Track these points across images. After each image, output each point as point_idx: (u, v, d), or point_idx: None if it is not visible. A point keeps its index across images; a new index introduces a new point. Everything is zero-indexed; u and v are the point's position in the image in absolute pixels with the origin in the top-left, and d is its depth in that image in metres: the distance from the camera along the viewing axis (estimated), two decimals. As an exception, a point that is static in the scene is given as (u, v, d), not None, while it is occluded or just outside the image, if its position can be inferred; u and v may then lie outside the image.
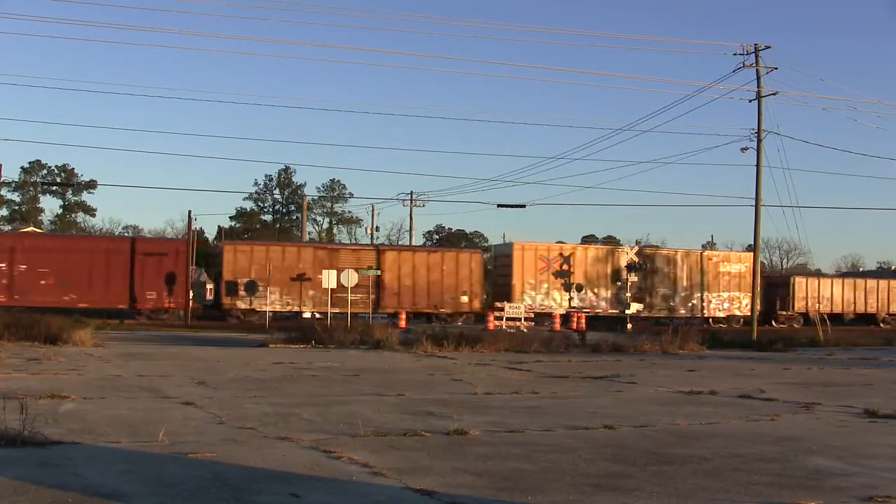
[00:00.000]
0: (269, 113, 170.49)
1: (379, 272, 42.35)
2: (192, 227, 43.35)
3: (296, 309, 41.47)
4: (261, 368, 19.34)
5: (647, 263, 47.25)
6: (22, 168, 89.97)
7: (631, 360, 24.59)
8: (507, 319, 36.93)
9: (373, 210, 70.89)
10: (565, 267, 45.68)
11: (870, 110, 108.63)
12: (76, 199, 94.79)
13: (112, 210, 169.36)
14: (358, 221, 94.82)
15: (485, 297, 45.83)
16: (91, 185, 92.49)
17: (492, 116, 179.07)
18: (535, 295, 44.91)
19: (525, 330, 33.72)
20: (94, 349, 23.26)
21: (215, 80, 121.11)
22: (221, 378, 16.99)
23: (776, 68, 38.29)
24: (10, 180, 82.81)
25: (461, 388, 16.32)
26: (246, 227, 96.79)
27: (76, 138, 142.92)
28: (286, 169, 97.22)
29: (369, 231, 73.13)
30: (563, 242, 52.50)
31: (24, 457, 8.36)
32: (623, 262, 45.61)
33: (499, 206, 46.57)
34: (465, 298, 43.95)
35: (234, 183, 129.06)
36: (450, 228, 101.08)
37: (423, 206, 67.82)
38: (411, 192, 67.93)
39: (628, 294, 44.94)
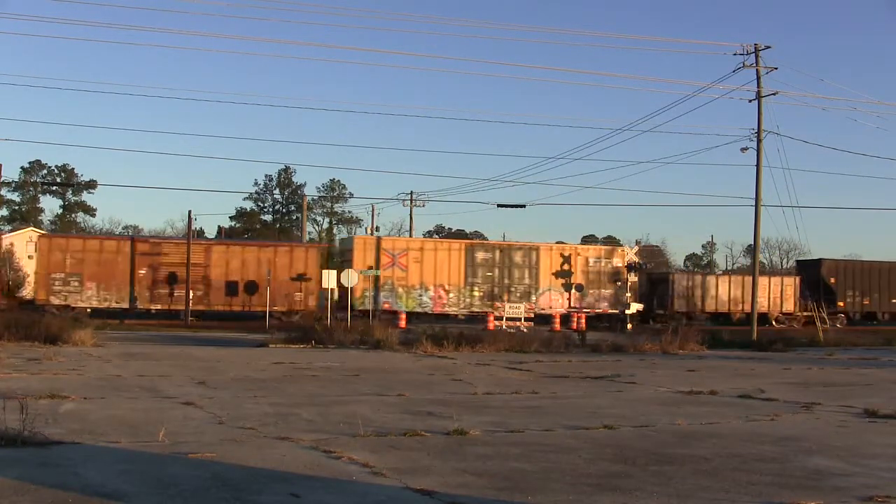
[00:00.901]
0: (269, 113, 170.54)
1: (378, 272, 42.29)
2: (192, 227, 43.27)
3: (114, 305, 39.45)
4: (261, 368, 19.34)
5: (506, 258, 43.90)
6: (22, 168, 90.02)
7: (631, 360, 24.59)
8: (507, 320, 36.95)
9: (373, 210, 70.88)
10: (403, 263, 42.15)
11: (870, 110, 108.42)
12: (76, 199, 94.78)
13: (112, 210, 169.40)
14: (358, 221, 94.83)
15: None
16: (91, 185, 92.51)
17: (492, 116, 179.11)
18: (378, 294, 41.77)
19: (525, 330, 33.73)
20: (94, 349, 23.26)
21: (215, 80, 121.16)
22: (221, 378, 16.99)
23: (776, 68, 38.25)
24: (10, 180, 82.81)
25: (461, 388, 16.32)
26: (246, 227, 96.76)
27: (76, 138, 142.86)
28: (286, 169, 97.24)
29: (369, 231, 73.14)
30: (433, 237, 50.71)
31: (24, 457, 8.37)
32: (479, 258, 43.06)
33: (499, 206, 46.58)
34: (299, 295, 41.37)
35: (234, 183, 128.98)
36: (450, 228, 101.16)
37: (423, 206, 67.77)
38: (411, 192, 67.93)
39: (628, 294, 44.92)
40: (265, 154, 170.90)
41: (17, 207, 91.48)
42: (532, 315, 40.04)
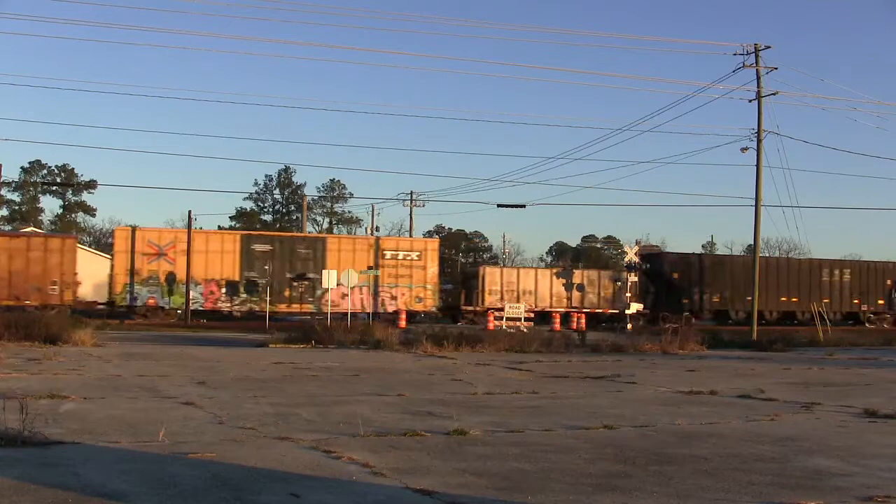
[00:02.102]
0: (269, 113, 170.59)
1: (378, 272, 42.26)
2: (192, 227, 43.21)
3: None
4: (261, 368, 19.34)
5: (287, 250, 41.91)
6: (22, 168, 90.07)
7: (631, 360, 24.59)
8: (507, 319, 36.96)
9: (373, 210, 70.91)
10: (171, 256, 40.34)
11: (870, 110, 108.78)
12: (76, 199, 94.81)
13: (112, 210, 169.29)
14: (358, 221, 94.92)
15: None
16: (91, 185, 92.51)
17: (492, 116, 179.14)
18: (142, 289, 39.87)
19: (525, 330, 33.74)
20: (94, 349, 23.27)
21: (215, 80, 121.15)
22: (221, 378, 16.99)
23: (776, 68, 38.30)
24: (10, 180, 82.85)
25: (461, 388, 16.32)
26: (246, 226, 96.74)
27: (76, 138, 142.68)
28: (286, 169, 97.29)
29: (369, 231, 73.15)
30: (229, 229, 48.30)
31: (24, 457, 8.37)
32: (257, 250, 41.28)
33: (499, 206, 46.59)
34: (54, 289, 38.83)
35: (234, 183, 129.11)
36: (450, 228, 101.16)
37: (423, 206, 67.75)
38: (411, 192, 67.93)
39: (628, 294, 44.89)
40: (265, 154, 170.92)
41: (17, 207, 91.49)
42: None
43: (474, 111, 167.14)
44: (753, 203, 38.67)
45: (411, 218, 68.68)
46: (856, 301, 51.93)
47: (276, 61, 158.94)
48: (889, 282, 52.37)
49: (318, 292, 41.13)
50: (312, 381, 16.89)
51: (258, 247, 41.64)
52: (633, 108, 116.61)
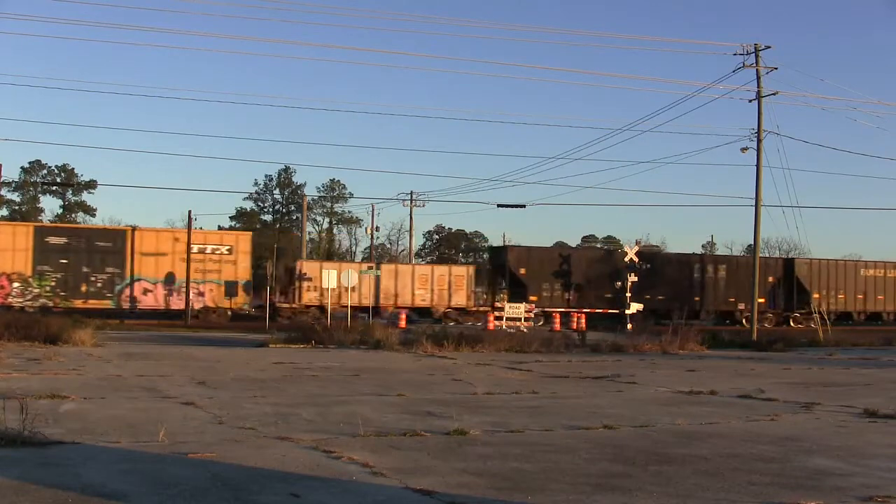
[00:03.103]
0: (269, 113, 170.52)
1: (378, 273, 42.24)
2: (192, 227, 43.20)
3: None
4: (261, 368, 19.34)
5: (84, 243, 39.77)
6: (22, 168, 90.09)
7: (631, 360, 24.59)
8: (507, 319, 36.96)
9: (373, 210, 70.93)
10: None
11: (870, 110, 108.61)
12: (76, 199, 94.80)
13: (112, 210, 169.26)
14: (358, 221, 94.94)
15: None
16: (91, 185, 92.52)
17: (492, 116, 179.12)
18: None
19: (525, 330, 33.74)
20: (94, 349, 23.27)
21: (215, 80, 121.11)
22: (221, 378, 16.99)
23: (776, 68, 38.29)
24: (10, 180, 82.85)
25: (461, 388, 16.32)
26: (246, 226, 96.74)
27: (76, 138, 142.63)
28: (286, 169, 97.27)
29: (369, 231, 73.17)
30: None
31: (24, 457, 8.37)
32: (51, 243, 39.04)
33: (499, 206, 46.59)
34: None
35: (234, 183, 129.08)
36: (450, 228, 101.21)
37: (423, 206, 67.91)
38: (411, 192, 68.01)
39: (628, 294, 44.84)
40: (265, 154, 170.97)
41: (17, 207, 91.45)
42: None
43: (474, 111, 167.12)
44: (753, 203, 38.68)
45: (411, 218, 68.76)
46: (731, 299, 49.81)
47: (276, 61, 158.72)
48: (771, 279, 50.13)
49: (118, 288, 39.67)
50: (312, 381, 16.89)
51: (53, 240, 39.62)
52: (633, 108, 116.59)
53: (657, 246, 70.24)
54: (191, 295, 40.19)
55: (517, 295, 44.23)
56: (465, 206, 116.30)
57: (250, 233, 48.56)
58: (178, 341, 28.51)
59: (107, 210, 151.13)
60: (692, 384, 17.47)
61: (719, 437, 11.02)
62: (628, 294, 44.40)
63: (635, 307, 43.60)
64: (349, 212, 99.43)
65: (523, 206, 46.69)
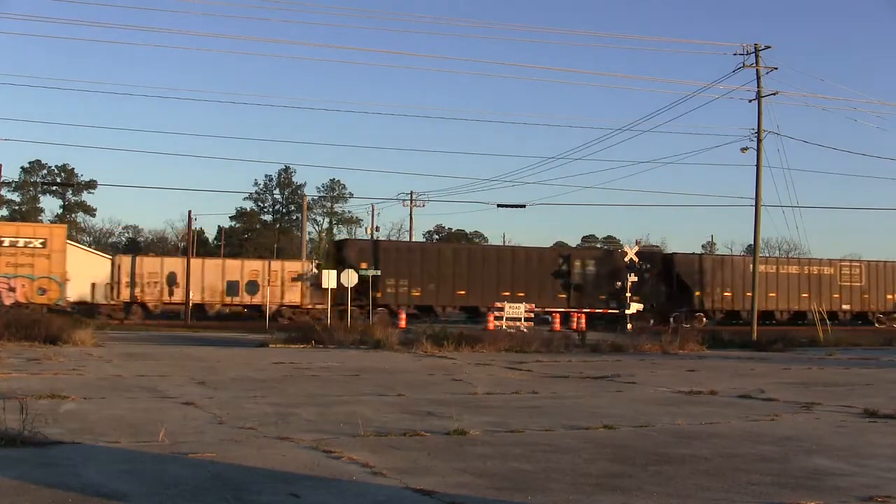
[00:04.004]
0: (269, 113, 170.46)
1: (378, 273, 42.17)
2: (192, 227, 43.22)
3: None
4: (261, 368, 19.34)
5: None
6: (22, 168, 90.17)
7: (631, 360, 24.59)
8: (507, 319, 36.95)
9: (373, 210, 70.99)
10: None
11: (870, 110, 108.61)
12: (76, 199, 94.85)
13: (112, 210, 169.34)
14: (358, 221, 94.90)
15: None
16: (91, 185, 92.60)
17: (492, 116, 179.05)
18: None
19: (525, 330, 33.73)
20: (95, 349, 23.27)
21: (215, 80, 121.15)
22: (221, 378, 16.99)
23: (776, 68, 38.30)
24: (10, 180, 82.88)
25: (461, 388, 16.32)
26: (246, 227, 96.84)
27: (76, 138, 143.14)
28: (286, 169, 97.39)
29: (369, 231, 73.17)
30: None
31: (24, 457, 8.36)
32: None
33: (499, 206, 46.63)
34: None
35: (234, 183, 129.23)
36: (450, 228, 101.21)
37: (423, 206, 67.93)
38: (411, 192, 68.03)
39: (628, 294, 44.79)
40: (265, 154, 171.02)
41: (17, 207, 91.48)
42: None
43: (474, 111, 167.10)
44: (753, 203, 38.69)
45: (411, 218, 68.77)
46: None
47: (276, 61, 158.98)
48: (619, 284, 45.14)
49: None
50: (312, 381, 16.89)
51: None
52: (633, 108, 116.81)
53: (657, 246, 70.20)
54: (3, 289, 38.06)
55: (359, 292, 39.85)
56: (465, 206, 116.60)
57: (65, 226, 46.30)
58: (177, 341, 28.51)
59: (107, 210, 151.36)
60: (692, 384, 17.47)
61: (719, 437, 11.02)
62: (628, 294, 44.32)
63: (635, 307, 43.55)
64: (349, 212, 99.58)
65: (523, 206, 46.75)
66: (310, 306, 42.85)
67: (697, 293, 48.42)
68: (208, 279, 42.64)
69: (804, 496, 7.63)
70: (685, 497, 7.57)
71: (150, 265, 42.46)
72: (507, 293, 43.11)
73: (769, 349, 30.88)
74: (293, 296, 43.46)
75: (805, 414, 13.60)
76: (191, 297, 41.72)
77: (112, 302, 41.30)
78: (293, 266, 44.85)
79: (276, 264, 45.03)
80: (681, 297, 48.36)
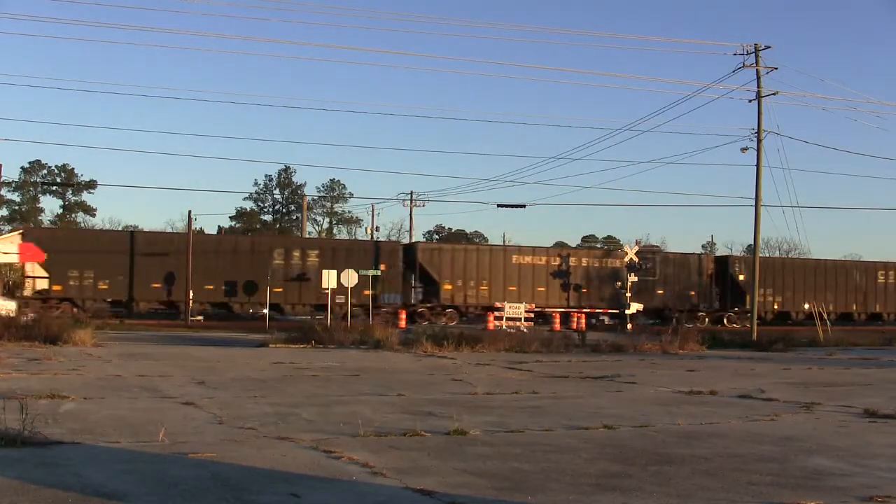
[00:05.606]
0: (269, 113, 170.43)
1: (379, 273, 42.13)
2: (192, 227, 43.17)
3: None
4: (261, 368, 19.34)
5: None
6: (22, 168, 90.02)
7: (631, 360, 24.59)
8: (507, 319, 36.94)
9: (373, 210, 70.95)
10: None
11: (870, 110, 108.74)
12: (76, 198, 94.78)
13: (112, 210, 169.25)
14: (358, 221, 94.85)
15: None
16: (91, 185, 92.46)
17: (492, 116, 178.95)
18: None
19: (525, 330, 33.73)
20: (95, 349, 23.27)
21: (215, 80, 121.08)
22: (221, 378, 16.99)
23: (776, 68, 38.27)
24: (10, 180, 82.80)
25: (461, 388, 16.32)
26: (246, 227, 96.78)
27: (76, 138, 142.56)
28: (286, 169, 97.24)
29: (369, 231, 73.18)
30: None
31: (24, 457, 8.37)
32: None
33: (499, 206, 46.48)
34: None
35: (234, 183, 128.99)
36: (450, 228, 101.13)
37: (423, 206, 67.88)
38: (411, 192, 67.98)
39: (628, 294, 44.78)
40: (265, 154, 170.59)
41: (17, 207, 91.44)
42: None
43: (474, 111, 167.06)
44: (753, 203, 38.66)
45: (411, 218, 68.75)
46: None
47: (277, 61, 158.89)
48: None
49: None
50: (312, 381, 16.89)
51: None
52: (633, 108, 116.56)
53: (657, 246, 70.15)
54: None
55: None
56: (465, 206, 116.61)
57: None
58: (177, 341, 28.51)
59: (107, 210, 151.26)
60: (692, 384, 17.48)
61: (719, 437, 11.02)
62: (628, 294, 44.29)
63: (635, 307, 43.56)
64: (349, 212, 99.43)
65: (523, 206, 46.65)
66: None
67: (448, 286, 44.08)
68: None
69: (804, 496, 7.63)
70: (685, 497, 7.57)
71: None
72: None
73: (769, 349, 30.87)
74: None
75: (805, 414, 13.60)
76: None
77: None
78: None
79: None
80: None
